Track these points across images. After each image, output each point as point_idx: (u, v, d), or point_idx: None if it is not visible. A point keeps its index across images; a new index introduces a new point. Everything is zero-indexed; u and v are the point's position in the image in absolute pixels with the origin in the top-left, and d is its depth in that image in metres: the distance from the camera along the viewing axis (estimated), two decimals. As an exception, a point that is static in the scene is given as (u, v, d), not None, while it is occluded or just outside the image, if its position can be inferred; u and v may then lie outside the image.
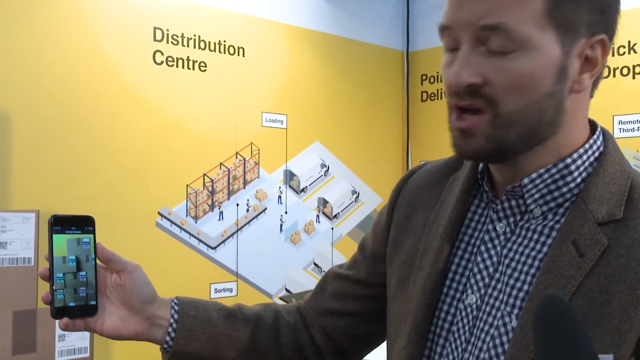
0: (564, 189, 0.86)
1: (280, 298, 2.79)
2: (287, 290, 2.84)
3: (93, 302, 1.00)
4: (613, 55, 2.72)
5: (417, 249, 0.95)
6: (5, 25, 2.07)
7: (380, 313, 1.03)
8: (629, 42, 2.69)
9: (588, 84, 0.84)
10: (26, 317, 1.98)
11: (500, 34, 0.78)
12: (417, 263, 0.94)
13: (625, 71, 2.70)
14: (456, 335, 0.87)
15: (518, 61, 0.79)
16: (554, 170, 0.85)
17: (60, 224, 1.00)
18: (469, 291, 0.88)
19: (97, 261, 1.02)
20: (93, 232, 1.02)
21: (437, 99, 3.33)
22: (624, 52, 2.70)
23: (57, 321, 1.00)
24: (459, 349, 0.86)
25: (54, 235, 0.99)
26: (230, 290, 2.64)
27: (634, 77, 2.68)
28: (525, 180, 0.85)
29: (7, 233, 1.97)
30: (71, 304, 0.98)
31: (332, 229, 3.05)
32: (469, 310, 0.87)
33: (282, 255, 2.84)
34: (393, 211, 1.05)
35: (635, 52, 2.68)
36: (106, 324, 1.01)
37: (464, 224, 0.93)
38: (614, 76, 2.72)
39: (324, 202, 3.02)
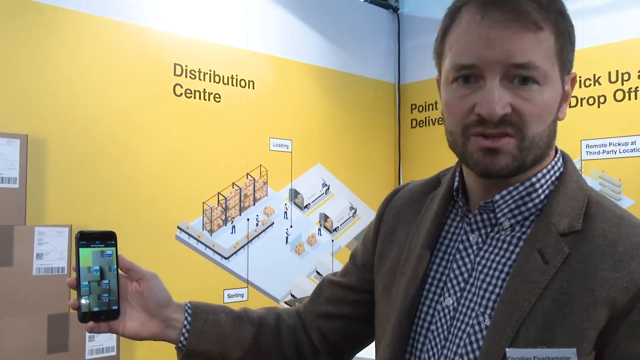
0: (530, 204, 0.86)
1: (286, 302, 2.78)
2: (292, 295, 2.83)
3: (115, 307, 1.00)
4: (580, 87, 2.73)
5: (400, 258, 0.96)
6: (43, 64, 2.10)
7: (370, 316, 1.03)
8: (594, 75, 2.70)
9: (565, 114, 0.87)
10: (60, 320, 1.98)
11: (528, 71, 0.79)
12: (400, 270, 0.94)
13: (591, 101, 2.71)
14: (435, 333, 0.88)
15: (540, 93, 0.80)
16: (521, 188, 0.86)
17: (86, 239, 1.00)
18: (446, 294, 0.89)
19: (119, 271, 1.02)
20: (115, 245, 1.02)
21: (425, 125, 3.34)
22: (590, 84, 2.71)
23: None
24: (439, 346, 0.86)
25: (80, 249, 0.99)
26: (242, 295, 2.63)
27: (599, 107, 2.69)
28: (497, 197, 0.86)
29: (43, 245, 1.98)
30: (95, 309, 0.98)
31: (333, 241, 3.05)
32: (446, 311, 0.88)
33: (288, 265, 2.84)
34: (380, 225, 1.05)
35: (599, 84, 2.69)
36: (127, 326, 1.01)
37: (442, 235, 0.94)
38: (582, 105, 2.73)
39: (325, 217, 3.02)
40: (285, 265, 2.82)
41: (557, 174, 0.88)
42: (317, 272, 2.95)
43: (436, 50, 0.89)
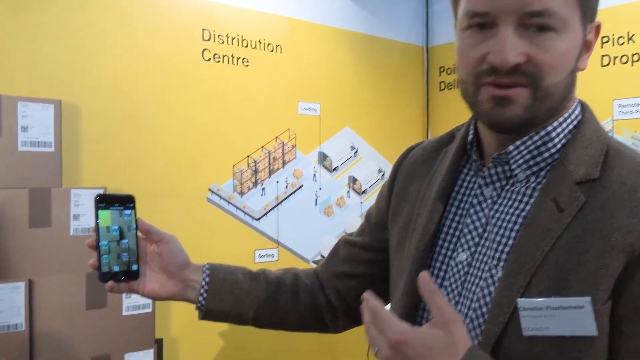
0: (546, 154, 0.81)
1: (315, 262, 2.77)
2: (322, 256, 2.82)
3: (135, 267, 0.98)
4: (613, 45, 2.59)
5: (412, 215, 0.92)
6: (74, 31, 2.08)
7: (385, 275, 0.99)
8: (628, 32, 2.55)
9: (587, 64, 0.81)
10: (97, 278, 2.00)
11: (545, 18, 0.73)
12: (412, 226, 0.90)
13: (624, 59, 2.57)
14: (449, 289, 0.84)
15: (557, 41, 0.74)
16: (536, 138, 0.80)
17: (105, 201, 0.98)
18: (460, 250, 0.84)
19: (138, 233, 1.00)
20: (134, 208, 1.00)
21: (454, 88, 3.24)
22: (623, 42, 2.57)
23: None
24: (452, 302, 0.83)
25: (99, 211, 0.97)
26: (272, 256, 2.63)
27: (632, 65, 2.55)
28: (511, 148, 0.81)
29: (79, 207, 1.99)
30: (116, 268, 0.96)
31: (361, 202, 3.01)
32: (460, 266, 0.83)
33: (317, 226, 2.81)
34: (393, 184, 1.02)
35: (633, 41, 2.54)
36: (147, 287, 1.00)
37: (454, 190, 0.89)
38: (614, 64, 2.59)
39: (353, 180, 2.97)
40: (314, 227, 2.80)
41: (575, 122, 0.82)
42: (346, 233, 2.92)
43: None
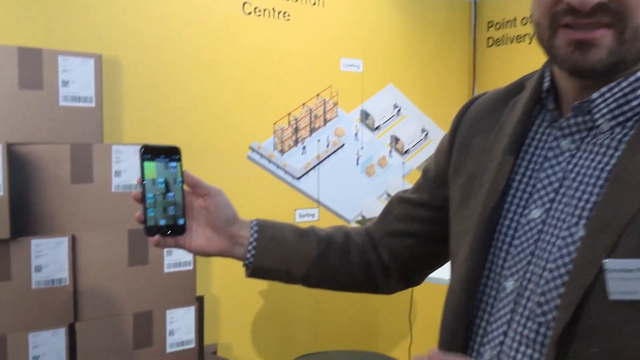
0: (634, 103, 0.71)
1: (357, 222, 2.72)
2: (362, 216, 2.76)
3: (181, 221, 0.94)
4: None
5: (478, 170, 0.84)
6: (114, -20, 2.03)
7: (443, 234, 0.92)
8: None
9: None
10: (139, 235, 1.99)
11: None
12: (478, 182, 0.82)
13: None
14: (519, 248, 0.76)
15: None
16: (624, 84, 0.71)
17: (150, 152, 0.93)
18: (532, 206, 0.76)
19: (184, 187, 0.95)
20: (179, 160, 0.95)
21: (503, 44, 3.08)
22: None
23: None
24: (524, 262, 0.75)
25: (145, 163, 0.92)
26: (313, 215, 2.59)
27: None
28: (595, 95, 0.72)
29: (120, 163, 1.97)
30: (162, 222, 0.92)
31: (403, 163, 2.93)
32: (532, 224, 0.75)
33: (359, 186, 2.75)
34: (455, 137, 0.93)
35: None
36: (193, 242, 0.95)
37: (525, 142, 0.81)
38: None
39: (396, 139, 2.89)
40: (355, 187, 2.74)
41: None
42: (387, 194, 2.86)
43: None
